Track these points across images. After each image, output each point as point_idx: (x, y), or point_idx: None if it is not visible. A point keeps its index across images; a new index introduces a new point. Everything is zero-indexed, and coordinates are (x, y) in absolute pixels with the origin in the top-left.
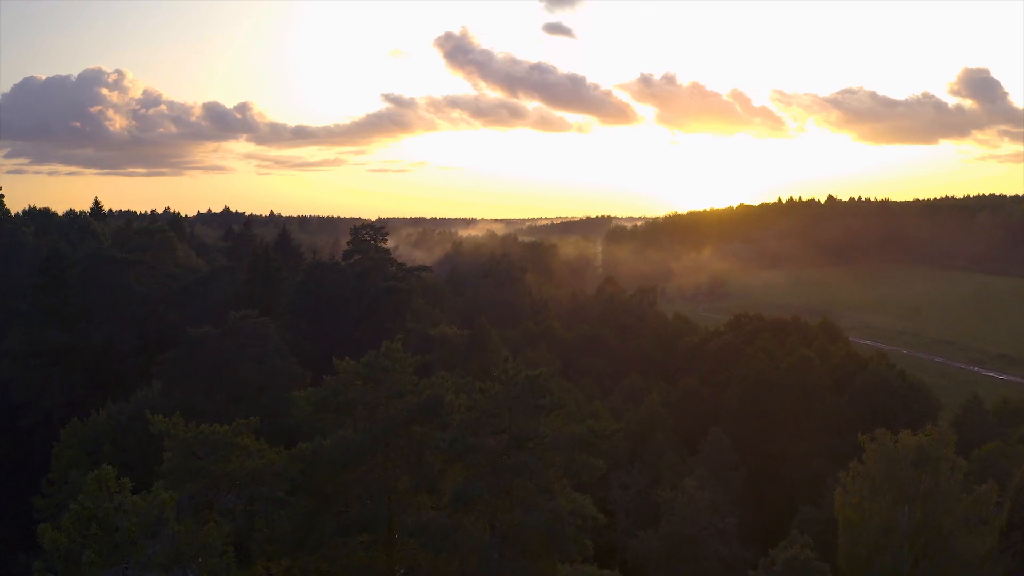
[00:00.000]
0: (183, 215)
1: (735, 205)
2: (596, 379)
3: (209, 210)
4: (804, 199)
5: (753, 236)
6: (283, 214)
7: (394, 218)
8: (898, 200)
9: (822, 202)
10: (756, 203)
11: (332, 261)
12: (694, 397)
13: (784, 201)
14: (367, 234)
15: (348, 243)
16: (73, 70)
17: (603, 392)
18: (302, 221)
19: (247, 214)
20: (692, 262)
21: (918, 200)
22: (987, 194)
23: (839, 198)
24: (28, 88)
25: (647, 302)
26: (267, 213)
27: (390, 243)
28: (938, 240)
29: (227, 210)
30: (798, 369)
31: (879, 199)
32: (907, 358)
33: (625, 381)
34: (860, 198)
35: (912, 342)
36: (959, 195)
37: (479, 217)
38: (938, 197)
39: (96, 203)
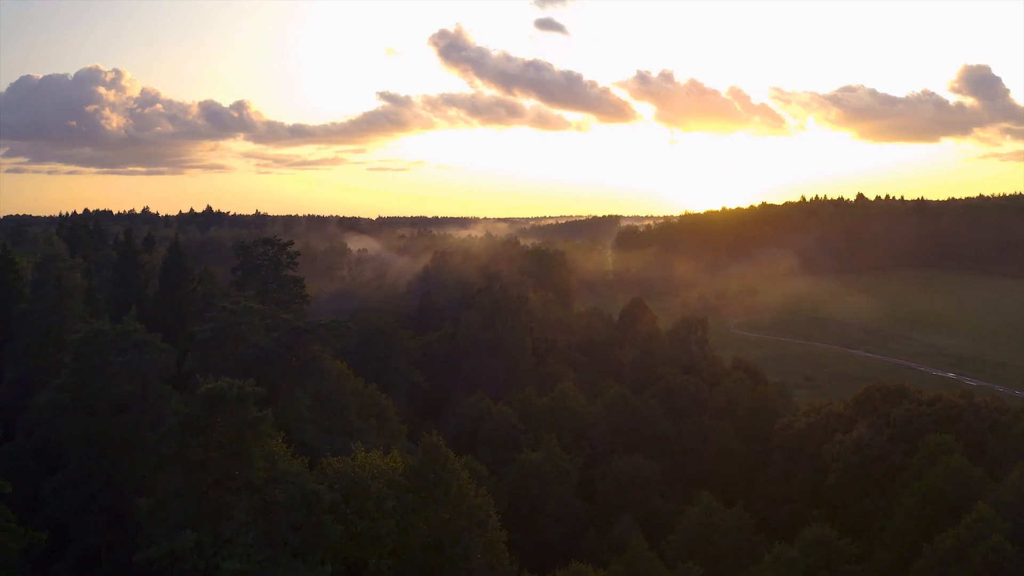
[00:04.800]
0: (161, 215)
1: (756, 204)
2: (640, 499)
3: (192, 210)
4: (831, 198)
5: (787, 240)
6: (280, 214)
7: (395, 217)
8: (932, 199)
9: (852, 200)
10: (779, 202)
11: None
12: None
13: (809, 200)
14: (264, 253)
15: (234, 269)
16: (69, 69)
17: (657, 524)
18: (289, 221)
19: (231, 214)
20: (721, 270)
21: (953, 199)
22: None
23: (868, 197)
24: (24, 87)
25: (695, 339)
26: (271, 213)
27: (376, 247)
28: (985, 244)
29: (209, 210)
30: None
31: (913, 198)
32: (1009, 399)
33: (696, 508)
34: (890, 197)
35: (1002, 375)
36: (972, 194)
37: (481, 216)
38: (973, 196)
39: None
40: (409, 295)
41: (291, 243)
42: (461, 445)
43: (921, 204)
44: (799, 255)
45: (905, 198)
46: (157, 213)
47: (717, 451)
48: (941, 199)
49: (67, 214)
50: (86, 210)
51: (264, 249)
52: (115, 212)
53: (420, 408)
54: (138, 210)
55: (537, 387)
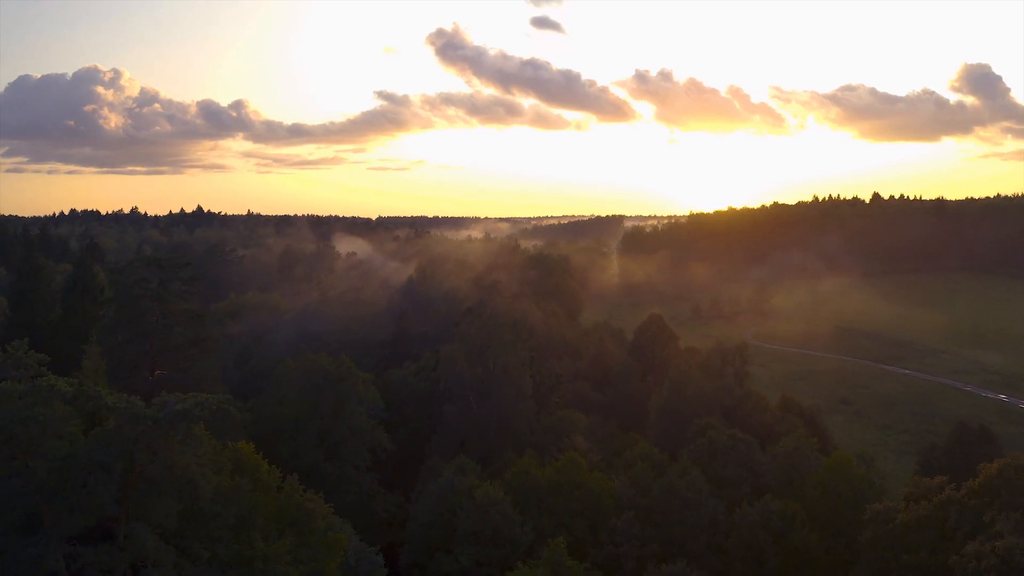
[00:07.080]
0: (151, 215)
1: (767, 204)
2: None
3: (182, 210)
4: (844, 197)
5: (804, 242)
6: (278, 214)
7: (395, 217)
8: (952, 199)
9: (867, 201)
10: (783, 201)
11: None
12: None
13: (821, 199)
14: (143, 280)
15: (105, 302)
16: (68, 68)
17: None
18: (282, 221)
19: (222, 213)
20: (736, 274)
21: (972, 199)
22: None
23: (867, 196)
24: (23, 86)
25: (733, 372)
26: (272, 213)
27: (368, 250)
28: (1008, 246)
29: (200, 209)
30: None
31: (929, 198)
32: None
33: None
34: (906, 196)
35: None
36: (972, 194)
37: (483, 216)
38: (991, 196)
39: None
40: (388, 312)
41: (187, 263)
42: (433, 539)
43: (940, 204)
44: (818, 258)
45: (906, 197)
46: (146, 213)
47: (784, 547)
48: (957, 199)
49: (56, 215)
50: (72, 211)
51: (144, 274)
52: (103, 213)
53: (387, 474)
54: (127, 210)
55: (539, 443)
